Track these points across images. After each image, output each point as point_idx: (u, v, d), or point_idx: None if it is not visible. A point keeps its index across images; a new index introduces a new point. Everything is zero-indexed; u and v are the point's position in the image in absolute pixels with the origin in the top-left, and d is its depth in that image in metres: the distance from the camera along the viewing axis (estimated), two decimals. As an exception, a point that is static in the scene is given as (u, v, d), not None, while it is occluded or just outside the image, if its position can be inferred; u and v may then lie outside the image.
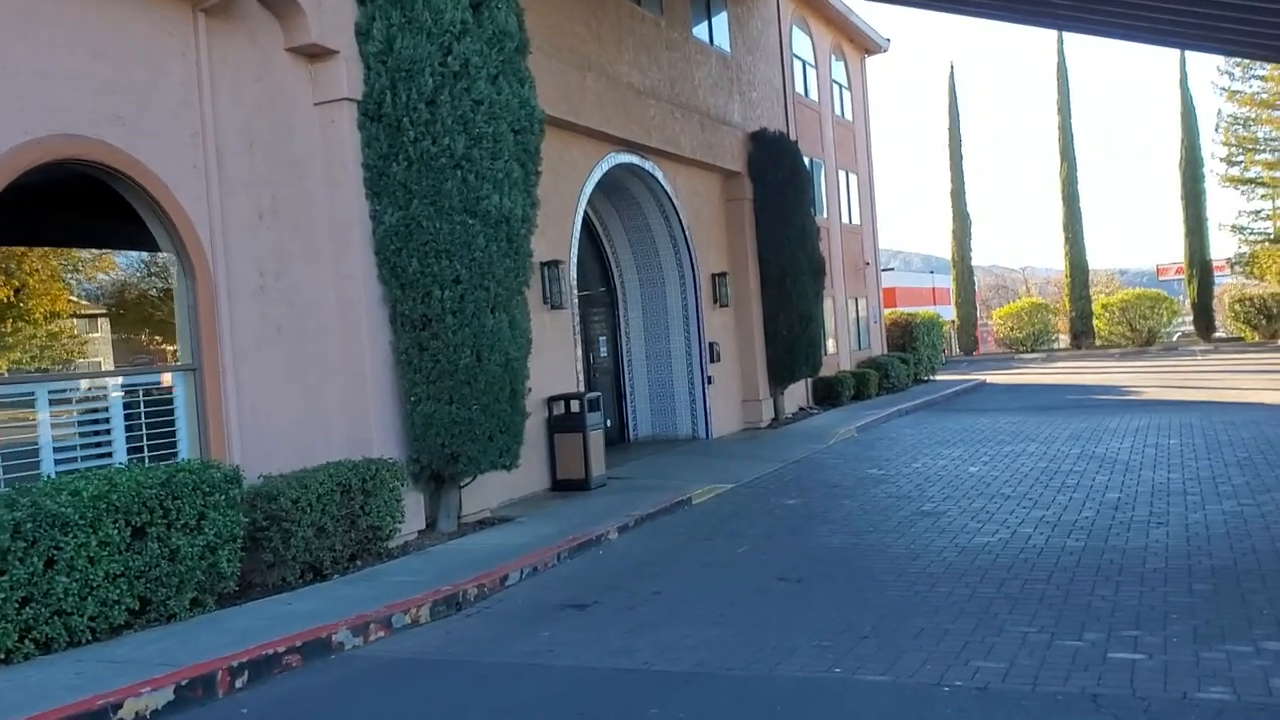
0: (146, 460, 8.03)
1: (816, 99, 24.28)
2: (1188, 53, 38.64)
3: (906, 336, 28.44)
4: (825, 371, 21.84)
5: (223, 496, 7.47)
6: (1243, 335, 40.55)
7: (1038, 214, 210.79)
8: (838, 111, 25.85)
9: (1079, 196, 42.54)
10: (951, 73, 45.65)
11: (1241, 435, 14.52)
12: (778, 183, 18.95)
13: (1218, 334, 42.30)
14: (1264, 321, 39.56)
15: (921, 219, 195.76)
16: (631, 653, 6.36)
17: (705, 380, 17.37)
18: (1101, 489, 11.01)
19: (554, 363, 13.05)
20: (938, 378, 29.59)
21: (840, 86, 26.30)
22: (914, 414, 20.88)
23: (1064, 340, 44.77)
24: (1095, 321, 42.59)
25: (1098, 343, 42.76)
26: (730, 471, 13.56)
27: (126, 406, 8.09)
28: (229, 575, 7.57)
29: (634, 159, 15.40)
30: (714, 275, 18.08)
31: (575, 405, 12.74)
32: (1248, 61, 40.91)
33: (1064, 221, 42.67)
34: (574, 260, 13.72)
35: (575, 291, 13.80)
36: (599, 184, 14.97)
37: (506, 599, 8.00)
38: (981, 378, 29.55)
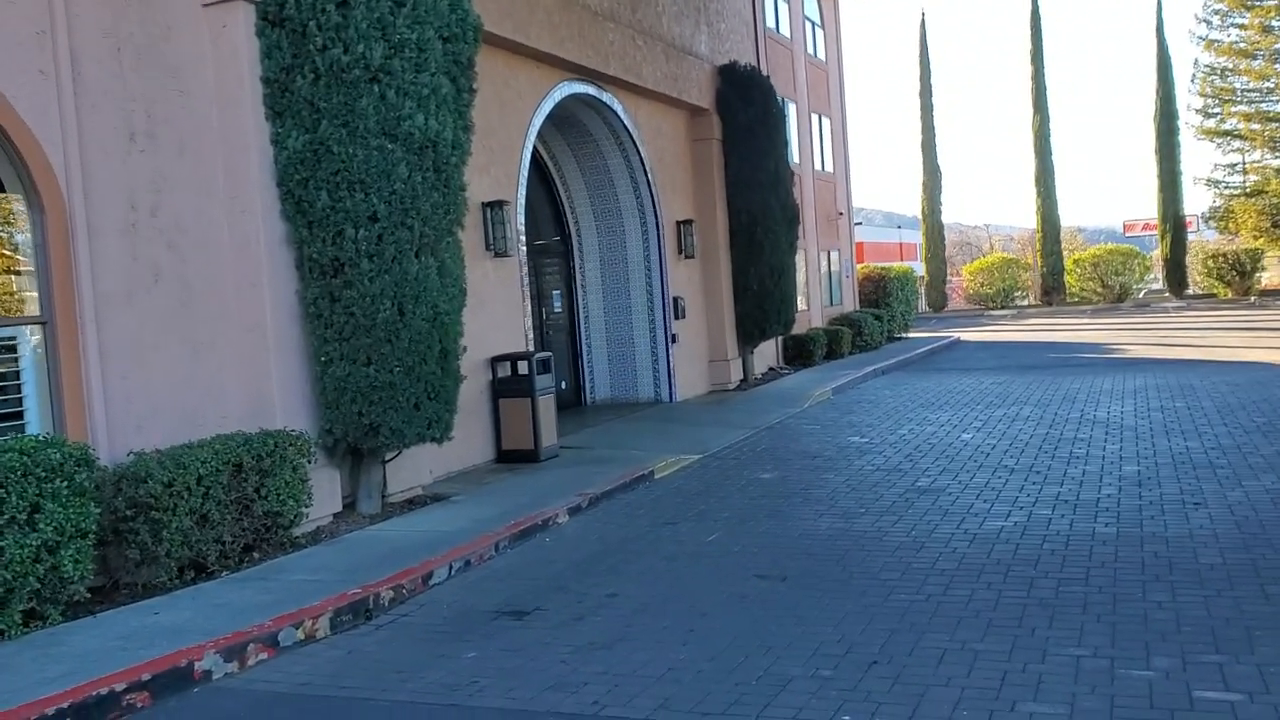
0: (-17, 435, 6.48)
1: (789, 35, 22.66)
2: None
3: (879, 292, 27.20)
4: (797, 329, 20.48)
5: (65, 483, 5.94)
6: (1215, 291, 39.73)
7: (1000, 171, 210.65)
8: (810, 50, 24.25)
9: (1051, 149, 41.35)
10: (923, 21, 44.15)
11: (1251, 397, 13.34)
12: (749, 122, 17.38)
13: (1189, 290, 41.47)
14: (1237, 277, 38.75)
15: (885, 174, 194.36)
16: (578, 686, 4.96)
17: (669, 338, 15.91)
18: (1116, 460, 9.75)
19: (499, 318, 11.53)
20: (911, 335, 28.46)
21: (813, 24, 24.69)
22: (891, 374, 19.60)
23: (1033, 296, 43.79)
24: (1066, 277, 41.61)
25: (1068, 299, 41.81)
26: (697, 440, 12.17)
27: (-46, 369, 6.52)
28: (77, 579, 6.08)
29: (590, 89, 13.78)
30: (679, 223, 16.56)
31: (523, 366, 11.25)
32: (1226, 9, 39.73)
33: (1036, 174, 41.50)
34: (521, 201, 12.15)
35: (523, 238, 12.24)
36: (551, 117, 13.37)
37: (429, 603, 6.57)
38: (955, 335, 28.41)
